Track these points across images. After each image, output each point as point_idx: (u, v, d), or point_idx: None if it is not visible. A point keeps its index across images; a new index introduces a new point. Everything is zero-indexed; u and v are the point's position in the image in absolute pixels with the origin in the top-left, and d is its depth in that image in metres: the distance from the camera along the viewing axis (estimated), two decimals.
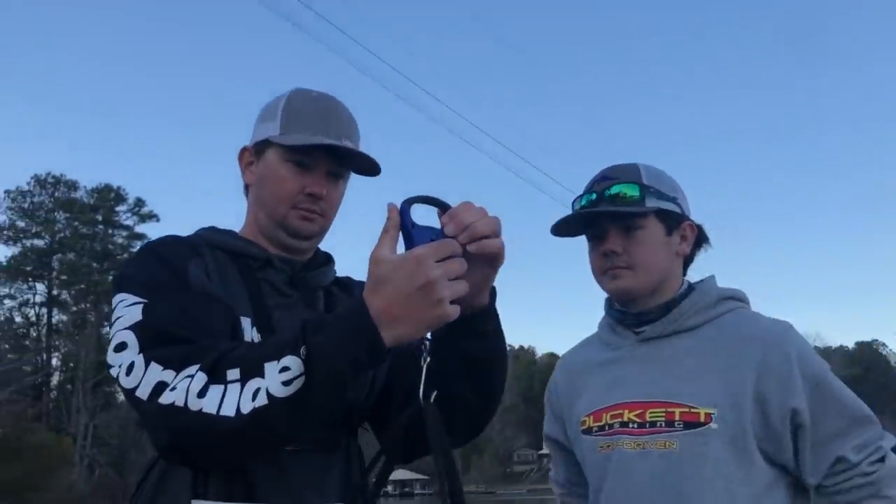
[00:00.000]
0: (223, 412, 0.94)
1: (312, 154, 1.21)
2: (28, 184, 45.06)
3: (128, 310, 1.06)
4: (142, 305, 1.06)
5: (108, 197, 47.77)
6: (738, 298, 1.56)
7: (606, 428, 1.51)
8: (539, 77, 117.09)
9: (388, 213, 0.98)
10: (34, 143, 74.17)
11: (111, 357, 1.05)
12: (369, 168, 1.25)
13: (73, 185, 47.09)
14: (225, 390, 0.95)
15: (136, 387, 0.99)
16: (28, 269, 47.33)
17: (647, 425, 1.45)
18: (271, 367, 0.95)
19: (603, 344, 1.62)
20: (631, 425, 1.47)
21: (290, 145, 1.20)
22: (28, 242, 45.37)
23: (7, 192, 44.27)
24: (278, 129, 1.22)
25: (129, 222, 48.76)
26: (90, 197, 47.56)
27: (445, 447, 0.99)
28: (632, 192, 1.48)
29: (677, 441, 1.42)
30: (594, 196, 1.50)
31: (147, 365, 1.00)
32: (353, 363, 0.94)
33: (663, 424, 1.43)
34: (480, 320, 1.09)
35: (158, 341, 1.02)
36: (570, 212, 1.55)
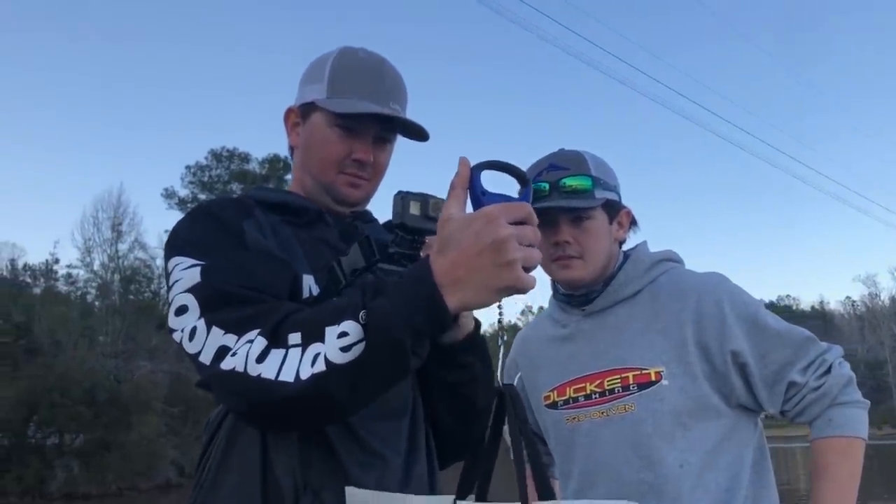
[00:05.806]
0: (282, 377, 0.89)
1: (360, 119, 1.18)
2: (206, 158, 46.93)
3: (186, 272, 1.03)
4: (200, 267, 1.03)
5: (277, 167, 48.98)
6: (670, 259, 1.63)
7: (571, 401, 1.60)
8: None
9: (458, 169, 0.88)
10: (210, 122, 78.84)
11: (172, 321, 1.01)
12: (417, 133, 1.23)
13: (245, 158, 48.66)
14: (286, 355, 0.91)
15: (200, 352, 0.96)
16: None
17: (608, 393, 1.54)
18: (331, 332, 0.89)
19: (553, 321, 1.71)
20: (594, 396, 1.56)
21: (337, 112, 1.17)
22: None
23: (188, 167, 46.36)
24: (325, 92, 1.20)
25: None
26: (261, 168, 49.12)
27: (527, 434, 0.89)
28: (584, 184, 1.53)
29: (635, 403, 1.50)
30: (546, 186, 1.53)
31: (209, 329, 0.97)
32: (412, 330, 0.87)
33: (620, 390, 1.52)
34: (463, 351, 1.09)
35: (219, 303, 0.99)
36: None
